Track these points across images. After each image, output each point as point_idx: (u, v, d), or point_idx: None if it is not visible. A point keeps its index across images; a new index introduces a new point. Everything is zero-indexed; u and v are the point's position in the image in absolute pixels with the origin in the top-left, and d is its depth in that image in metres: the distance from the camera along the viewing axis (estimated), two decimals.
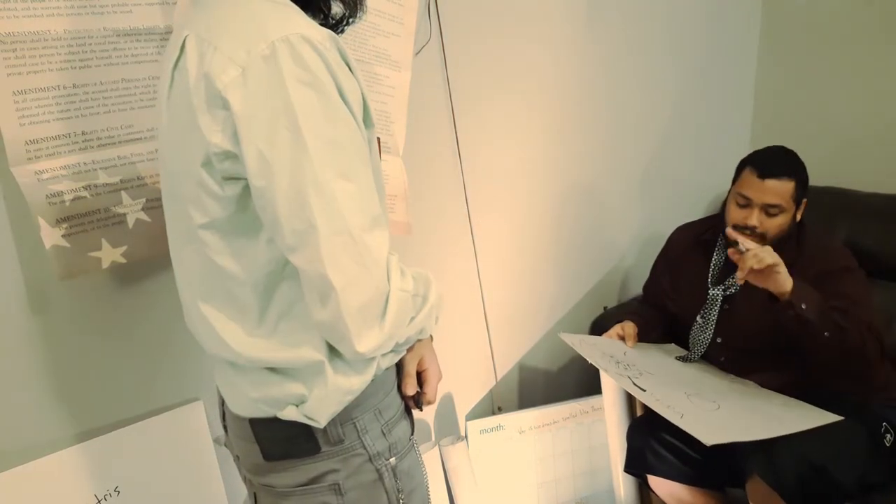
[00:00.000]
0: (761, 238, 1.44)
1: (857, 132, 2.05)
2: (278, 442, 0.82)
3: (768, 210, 1.43)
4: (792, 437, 1.22)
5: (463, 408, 1.86)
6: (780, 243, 1.46)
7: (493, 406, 1.91)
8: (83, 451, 1.20)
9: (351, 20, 0.85)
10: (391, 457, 0.84)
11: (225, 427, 0.93)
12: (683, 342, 1.67)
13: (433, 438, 1.81)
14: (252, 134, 0.66)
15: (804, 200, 1.50)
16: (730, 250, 1.38)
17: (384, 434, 0.83)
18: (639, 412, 1.72)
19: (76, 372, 1.19)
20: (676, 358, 1.62)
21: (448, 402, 1.83)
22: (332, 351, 0.77)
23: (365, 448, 0.82)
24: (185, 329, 0.89)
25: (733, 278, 1.50)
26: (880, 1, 1.93)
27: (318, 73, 0.67)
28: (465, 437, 1.75)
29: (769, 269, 1.31)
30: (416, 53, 1.47)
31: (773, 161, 1.46)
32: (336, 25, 0.84)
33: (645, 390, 1.37)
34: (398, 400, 0.88)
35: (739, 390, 1.45)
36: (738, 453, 1.32)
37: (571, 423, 1.82)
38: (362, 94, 0.74)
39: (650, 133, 2.08)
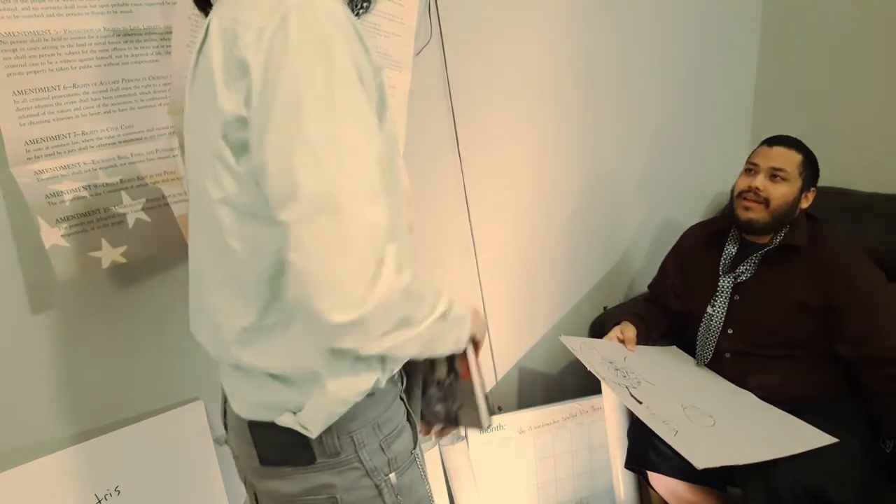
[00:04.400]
0: (765, 204, 1.49)
1: (858, 132, 2.05)
2: (275, 448, 0.81)
3: (773, 175, 1.49)
4: (787, 462, 1.22)
5: None
6: (788, 229, 1.50)
7: (493, 406, 1.91)
8: (83, 451, 1.20)
9: (365, 5, 0.84)
10: (391, 472, 0.83)
11: (226, 425, 0.93)
12: (686, 344, 1.67)
13: (433, 439, 1.81)
14: (259, 90, 0.67)
15: (813, 189, 1.54)
16: None
17: (383, 449, 0.82)
18: None
19: (76, 372, 1.19)
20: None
21: None
22: (330, 361, 0.77)
23: (361, 462, 0.81)
24: (186, 329, 0.89)
25: (744, 265, 1.51)
26: (881, 1, 1.93)
27: (328, 39, 0.67)
28: (465, 436, 1.75)
29: None
30: (417, 54, 1.47)
31: (782, 135, 1.57)
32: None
33: (641, 402, 1.38)
34: (399, 413, 0.86)
35: (737, 404, 1.44)
36: (735, 469, 1.32)
37: (571, 423, 1.82)
38: (375, 72, 0.73)
39: (650, 133, 2.08)
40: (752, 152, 1.58)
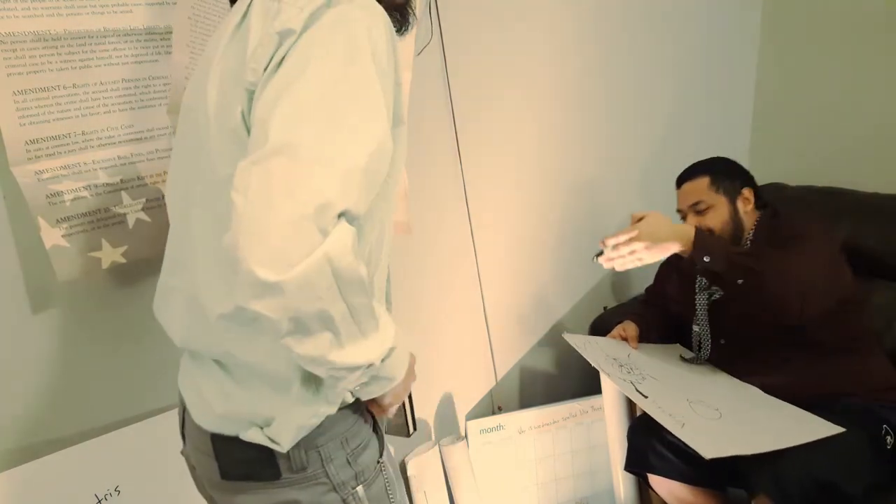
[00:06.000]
0: (710, 233, 1.49)
1: (858, 132, 2.05)
2: (238, 463, 0.79)
3: (696, 210, 1.52)
4: (796, 453, 1.21)
5: (463, 408, 1.86)
6: (751, 243, 1.50)
7: (493, 406, 1.91)
8: (83, 451, 1.20)
9: (403, 30, 0.84)
10: (358, 485, 0.81)
11: (183, 435, 0.90)
12: (687, 342, 1.67)
13: (433, 438, 1.81)
14: (279, 54, 0.67)
15: (744, 190, 1.53)
16: (600, 259, 1.42)
17: (349, 463, 0.80)
18: (639, 412, 1.71)
19: (76, 372, 1.19)
20: (683, 359, 1.62)
21: (448, 402, 1.83)
22: (302, 371, 0.75)
23: (329, 477, 0.79)
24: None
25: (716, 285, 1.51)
26: (881, 1, 1.93)
27: (363, 28, 0.67)
28: (465, 436, 1.75)
29: (649, 247, 1.35)
30: (417, 54, 1.47)
31: (685, 171, 1.60)
32: None
33: (647, 397, 1.37)
34: (366, 427, 0.84)
35: (742, 397, 1.44)
36: (742, 464, 1.32)
37: (571, 423, 1.82)
38: (395, 86, 0.73)
39: (651, 133, 2.08)
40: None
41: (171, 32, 1.11)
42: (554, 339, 1.99)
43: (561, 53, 1.80)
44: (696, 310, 1.57)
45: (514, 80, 1.72)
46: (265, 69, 0.68)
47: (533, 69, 1.75)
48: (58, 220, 1.06)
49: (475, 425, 1.76)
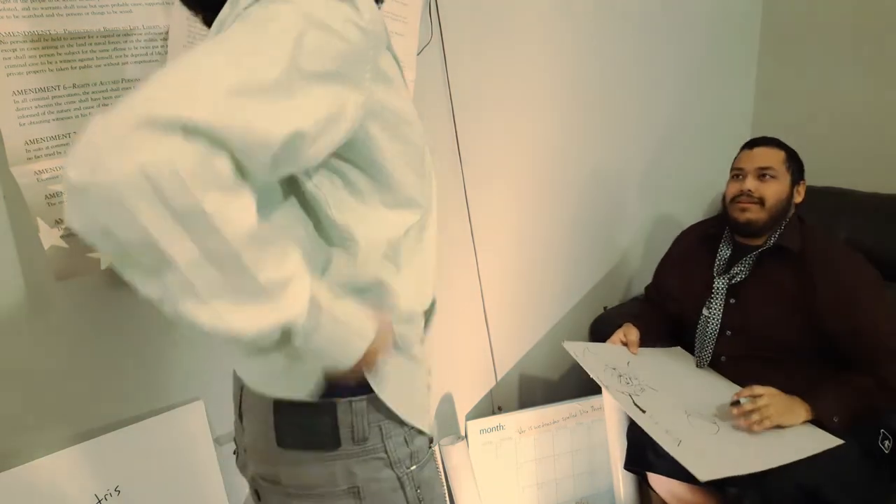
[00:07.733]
0: (760, 203, 1.50)
1: (858, 132, 2.05)
2: (298, 429, 0.79)
3: (761, 175, 1.52)
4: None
5: (463, 408, 1.86)
6: (782, 230, 1.51)
7: (493, 406, 1.91)
8: (83, 451, 1.20)
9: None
10: (412, 465, 0.83)
11: (240, 414, 0.89)
12: (687, 344, 1.66)
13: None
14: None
15: (802, 182, 1.56)
16: (734, 410, 1.35)
17: (406, 442, 0.82)
18: None
19: (76, 372, 1.19)
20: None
21: (448, 402, 1.83)
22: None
23: (387, 453, 0.81)
24: (186, 329, 0.88)
25: (738, 266, 1.52)
26: (881, 1, 1.93)
27: (300, 11, 0.63)
28: (465, 436, 1.75)
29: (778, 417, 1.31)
30: (417, 54, 1.47)
31: (760, 137, 1.61)
32: None
33: (645, 411, 1.38)
34: None
35: None
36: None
37: (571, 423, 1.82)
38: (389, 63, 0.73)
39: (650, 133, 2.08)
40: (736, 158, 1.61)
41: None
42: (554, 338, 1.99)
43: (561, 53, 1.80)
44: (711, 293, 1.57)
45: (514, 79, 1.72)
46: None
47: (533, 69, 1.75)
48: (57, 221, 1.06)
49: (475, 425, 1.76)
